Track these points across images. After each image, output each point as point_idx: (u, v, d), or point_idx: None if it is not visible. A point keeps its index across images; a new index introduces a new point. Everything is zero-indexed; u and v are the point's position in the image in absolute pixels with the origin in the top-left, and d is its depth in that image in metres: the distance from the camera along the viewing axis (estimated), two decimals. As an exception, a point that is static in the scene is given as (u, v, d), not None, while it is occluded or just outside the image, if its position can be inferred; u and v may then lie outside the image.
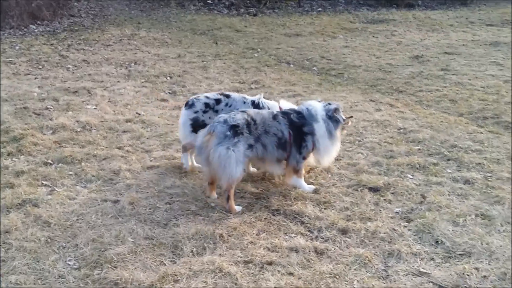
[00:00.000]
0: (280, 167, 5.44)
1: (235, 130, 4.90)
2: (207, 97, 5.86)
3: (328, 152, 5.41)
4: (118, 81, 9.98)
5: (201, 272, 4.02)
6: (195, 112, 5.72)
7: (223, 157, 4.82)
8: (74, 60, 11.85)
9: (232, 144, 4.86)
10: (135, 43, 14.20)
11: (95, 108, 8.07)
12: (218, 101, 5.81)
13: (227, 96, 5.90)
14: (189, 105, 5.79)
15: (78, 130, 7.07)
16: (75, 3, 20.18)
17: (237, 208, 5.00)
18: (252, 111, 5.23)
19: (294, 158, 5.31)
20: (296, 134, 5.22)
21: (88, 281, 3.88)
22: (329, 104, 5.49)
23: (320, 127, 5.28)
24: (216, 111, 5.72)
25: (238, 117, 4.98)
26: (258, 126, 5.07)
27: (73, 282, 3.87)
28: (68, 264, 4.10)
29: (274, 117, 5.24)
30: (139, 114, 7.85)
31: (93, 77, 10.28)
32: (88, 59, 12.03)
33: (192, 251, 4.31)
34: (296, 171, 5.39)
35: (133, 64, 11.67)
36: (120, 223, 4.72)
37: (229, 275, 3.99)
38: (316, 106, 5.41)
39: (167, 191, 5.39)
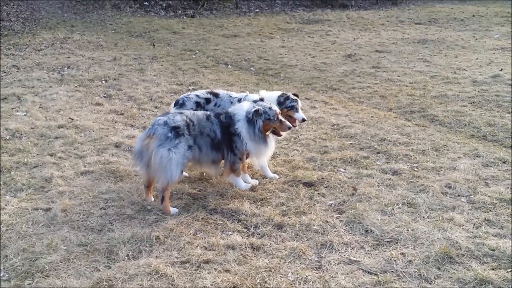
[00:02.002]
0: (216, 168, 5.45)
1: (176, 131, 4.90)
2: (197, 96, 5.82)
3: (257, 152, 5.42)
4: (50, 86, 9.70)
5: (137, 275, 3.99)
6: None
7: (165, 158, 4.80)
8: (3, 65, 11.42)
9: (174, 146, 4.85)
10: (68, 47, 13.85)
11: (25, 115, 7.82)
12: (208, 101, 5.81)
13: (216, 95, 5.88)
14: (180, 104, 5.73)
15: (7, 138, 6.83)
16: (4, 7, 19.45)
17: (173, 210, 4.99)
18: (188, 112, 5.21)
19: (229, 159, 5.34)
20: (226, 134, 5.24)
21: (19, 292, 3.77)
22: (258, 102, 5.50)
23: (242, 128, 5.24)
24: (206, 110, 5.64)
25: (178, 119, 4.98)
26: (195, 127, 5.07)
27: (1, 293, 3.75)
28: (-3, 276, 3.97)
29: (208, 117, 5.24)
30: (72, 120, 7.67)
31: (23, 82, 9.94)
32: (18, 64, 11.62)
33: (127, 255, 4.27)
34: (233, 170, 5.44)
35: (66, 68, 11.38)
36: (52, 231, 4.61)
37: (166, 277, 3.98)
38: (240, 107, 5.37)
39: (102, 196, 5.30)
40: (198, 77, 10.81)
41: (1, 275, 3.97)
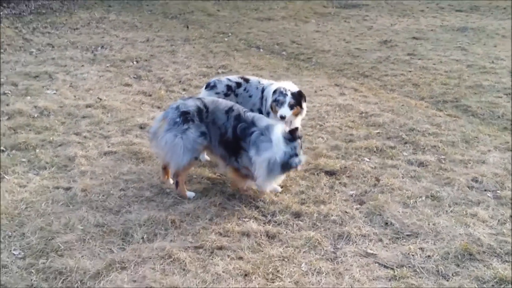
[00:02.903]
0: (222, 165, 5.13)
1: (185, 117, 4.80)
2: (229, 80, 5.76)
3: (265, 185, 4.95)
4: (82, 66, 9.80)
5: (150, 258, 4.00)
6: (217, 94, 5.61)
7: (170, 144, 4.75)
8: (38, 43, 11.59)
9: (181, 131, 4.75)
10: (104, 27, 13.94)
11: (55, 93, 7.92)
12: (238, 85, 5.71)
13: (247, 81, 5.78)
14: (211, 87, 5.67)
15: (36, 115, 6.94)
16: (43, -14, 19.70)
17: (190, 194, 4.96)
18: (208, 99, 5.12)
19: (230, 161, 5.00)
20: (235, 141, 4.84)
21: (32, 270, 3.82)
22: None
23: (257, 161, 4.75)
24: (237, 95, 5.64)
25: (190, 104, 4.90)
26: (208, 115, 4.88)
27: (16, 272, 3.81)
28: (13, 253, 4.03)
29: (228, 111, 4.90)
30: (101, 99, 7.73)
31: (56, 61, 10.07)
32: (53, 42, 11.77)
33: (142, 238, 4.28)
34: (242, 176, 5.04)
35: (99, 48, 11.46)
36: (71, 210, 4.66)
37: (178, 261, 3.97)
38: (265, 127, 4.80)
39: (123, 177, 5.33)
40: (229, 60, 10.73)
41: (17, 253, 4.02)
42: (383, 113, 7.48)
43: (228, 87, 5.68)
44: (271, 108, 5.34)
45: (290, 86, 5.44)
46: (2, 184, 5.03)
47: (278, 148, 4.63)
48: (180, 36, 13.04)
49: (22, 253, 4.04)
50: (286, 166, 4.73)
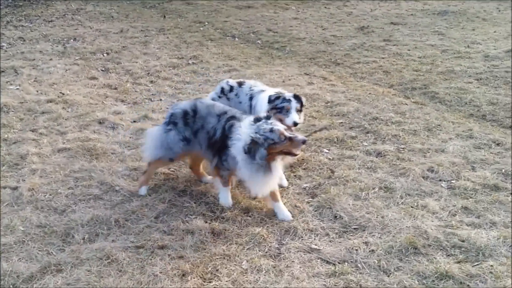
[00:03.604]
0: (210, 168, 4.88)
1: (170, 118, 4.79)
2: (227, 82, 5.67)
3: (255, 182, 4.44)
4: (51, 59, 9.66)
5: (88, 260, 3.92)
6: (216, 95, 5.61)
7: (149, 135, 4.98)
8: (9, 37, 11.43)
9: (164, 130, 4.78)
10: (79, 18, 13.78)
11: (17, 89, 7.80)
12: (231, 88, 5.57)
13: (240, 85, 5.59)
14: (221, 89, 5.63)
15: (-6, 113, 6.82)
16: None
17: (141, 190, 4.88)
18: (206, 102, 4.87)
19: (214, 162, 4.71)
20: (223, 139, 4.57)
21: (-34, 274, 3.74)
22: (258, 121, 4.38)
23: (238, 156, 4.39)
24: (228, 99, 5.53)
25: (180, 106, 4.84)
26: (196, 120, 4.70)
27: (-48, 276, 3.73)
28: (-50, 256, 3.95)
29: (221, 114, 4.65)
30: (63, 94, 7.61)
31: (25, 55, 9.93)
32: (25, 36, 11.61)
33: (83, 238, 4.20)
34: (219, 175, 4.75)
35: (71, 40, 11.32)
36: (15, 211, 4.57)
37: (116, 262, 3.90)
38: (243, 126, 4.41)
39: (73, 175, 5.24)
40: (202, 50, 10.61)
41: (-47, 256, 3.94)
42: (349, 102, 7.40)
43: (222, 90, 5.59)
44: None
45: (283, 92, 5.30)
46: None
47: (244, 134, 4.31)
48: (155, 26, 12.89)
49: (-41, 257, 3.95)
50: (252, 148, 4.21)
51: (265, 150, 4.21)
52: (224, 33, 12.43)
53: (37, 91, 7.72)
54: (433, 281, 3.70)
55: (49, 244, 4.11)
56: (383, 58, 9.86)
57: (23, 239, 4.15)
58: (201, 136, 4.69)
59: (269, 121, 4.33)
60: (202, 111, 4.73)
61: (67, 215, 4.53)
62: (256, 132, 4.22)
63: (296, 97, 5.16)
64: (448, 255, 3.98)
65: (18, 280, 3.68)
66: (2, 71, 8.73)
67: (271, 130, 4.21)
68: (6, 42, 11.02)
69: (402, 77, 8.58)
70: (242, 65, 9.39)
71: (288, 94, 5.21)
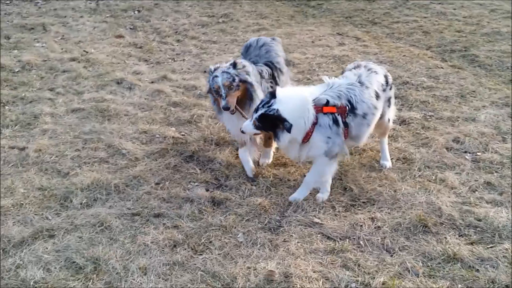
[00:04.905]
0: None
1: None
2: None
3: None
4: (81, 16, 9.57)
5: (82, 226, 3.84)
6: None
7: None
8: (44, -6, 11.39)
9: None
10: (117, -26, 13.56)
11: (43, 46, 7.76)
12: None
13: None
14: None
15: (17, 70, 6.82)
16: None
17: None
18: None
19: None
20: None
21: (-40, 236, 3.74)
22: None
23: None
24: None
25: None
26: None
27: None
28: None
29: None
30: (87, 52, 7.53)
31: (57, 12, 9.88)
32: (59, -8, 11.54)
33: (81, 203, 4.12)
34: None
35: (105, -4, 11.16)
36: (19, 172, 4.53)
37: (109, 229, 3.80)
38: None
39: (83, 136, 5.16)
40: (234, 8, 10.24)
41: (-48, 217, 3.95)
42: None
43: None
44: None
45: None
46: (-43, 145, 4.94)
47: None
48: (191, -19, 12.52)
49: (-43, 218, 3.95)
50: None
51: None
52: (260, -11, 11.95)
53: (62, 49, 7.66)
54: (439, 263, 3.41)
55: (46, 208, 4.06)
56: (425, 17, 9.21)
57: (22, 202, 4.11)
58: None
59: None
60: None
61: (69, 178, 4.46)
62: None
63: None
64: (461, 235, 3.66)
65: (9, 244, 3.64)
66: (32, 28, 8.71)
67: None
68: (42, -1, 10.99)
69: (442, 38, 7.99)
70: (272, 24, 9.01)
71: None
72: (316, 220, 3.90)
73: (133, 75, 6.71)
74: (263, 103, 3.83)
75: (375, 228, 3.77)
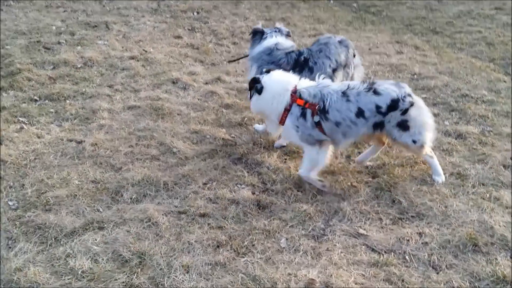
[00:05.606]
0: None
1: None
2: None
3: None
4: (143, 16, 9.82)
5: (131, 220, 3.95)
6: None
7: None
8: (110, -7, 11.78)
9: None
10: (180, -25, 13.86)
11: (105, 44, 8.02)
12: None
13: None
14: None
15: (79, 66, 7.07)
16: None
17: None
18: None
19: None
20: None
21: (17, 223, 3.91)
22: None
23: None
24: None
25: None
26: None
27: (3, 223, 3.92)
28: (8, 204, 4.15)
29: None
30: (146, 51, 7.72)
31: (121, 11, 10.18)
32: (124, -9, 11.91)
33: (131, 198, 4.24)
34: None
35: (168, -3, 11.43)
36: (75, 164, 4.71)
37: (156, 225, 3.89)
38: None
39: (137, 133, 5.30)
40: (292, 12, 10.26)
41: (11, 203, 4.15)
42: (438, 75, 6.79)
43: None
44: None
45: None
46: (20, 134, 5.18)
47: None
48: (251, -15, 12.64)
49: (16, 204, 4.15)
50: None
51: None
52: (320, -6, 11.92)
53: (122, 47, 7.89)
54: (487, 284, 3.30)
55: (98, 201, 4.20)
56: (489, 28, 8.93)
57: (76, 193, 4.26)
58: None
59: None
60: None
61: (122, 173, 4.59)
62: None
63: None
64: (512, 258, 3.52)
65: (61, 233, 3.78)
66: (95, 26, 9.02)
67: None
68: (105, -3, 11.36)
69: (507, 50, 7.71)
70: (329, 29, 8.95)
71: None
72: (362, 231, 3.85)
73: (188, 75, 6.83)
74: (261, 74, 4.53)
75: (422, 243, 3.69)
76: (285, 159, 4.81)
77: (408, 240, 3.72)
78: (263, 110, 4.51)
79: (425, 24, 9.37)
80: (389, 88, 4.17)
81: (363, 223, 3.95)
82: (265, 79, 4.39)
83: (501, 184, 4.35)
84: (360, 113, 4.14)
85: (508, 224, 3.83)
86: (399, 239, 3.75)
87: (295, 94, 4.29)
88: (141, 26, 9.11)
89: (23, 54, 7.32)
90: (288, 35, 5.44)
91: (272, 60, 5.09)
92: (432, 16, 9.91)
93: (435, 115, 5.60)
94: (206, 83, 6.60)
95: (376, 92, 4.15)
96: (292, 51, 5.15)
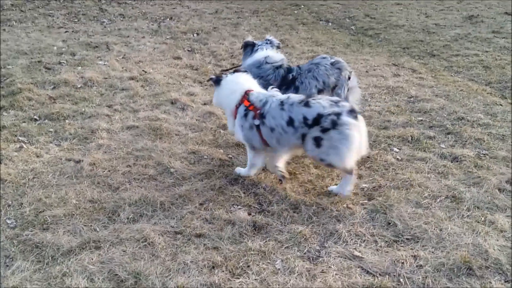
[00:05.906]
0: None
1: None
2: None
3: None
4: (143, 37, 9.98)
5: (127, 240, 3.96)
6: None
7: None
8: (111, 14, 11.99)
9: None
10: (180, -3, 14.10)
11: (105, 64, 8.12)
12: None
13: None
14: None
15: (79, 86, 7.16)
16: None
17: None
18: None
19: None
20: None
21: (15, 241, 3.93)
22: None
23: None
24: None
25: None
26: None
27: (1, 241, 3.94)
28: (7, 222, 4.18)
29: None
30: (146, 72, 7.81)
31: (121, 32, 10.35)
32: (125, 13, 12.12)
33: (128, 218, 4.26)
34: None
35: (167, 19, 11.63)
36: (73, 184, 4.74)
37: (152, 246, 3.91)
38: None
39: (135, 153, 5.34)
40: (290, 34, 10.41)
41: (10, 222, 4.17)
42: (435, 98, 6.86)
43: None
44: None
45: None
46: (19, 153, 5.23)
47: None
48: (250, 7, 12.88)
49: (14, 223, 4.18)
50: None
51: None
52: (318, 17, 12.12)
53: (122, 68, 7.99)
54: (481, 310, 3.30)
55: (95, 220, 4.22)
56: (486, 51, 9.05)
57: (73, 212, 4.29)
58: None
59: None
60: None
61: (119, 193, 4.62)
62: None
63: None
64: (507, 281, 3.53)
65: (58, 252, 3.80)
66: (96, 47, 9.14)
67: None
68: (108, 18, 11.56)
69: (504, 74, 7.81)
70: (327, 51, 9.07)
71: None
72: (357, 253, 3.87)
73: (187, 96, 6.90)
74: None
75: (417, 266, 3.70)
76: (280, 180, 4.83)
77: (403, 262, 3.73)
78: (220, 103, 4.96)
79: (422, 47, 9.49)
80: (321, 103, 4.30)
81: (358, 245, 3.96)
82: (228, 77, 4.86)
83: (496, 208, 4.37)
84: (290, 122, 4.36)
85: (502, 248, 3.84)
86: (394, 261, 3.76)
87: (246, 96, 4.65)
88: (141, 47, 9.24)
89: (24, 74, 7.41)
90: (278, 47, 5.58)
91: (261, 74, 5.23)
92: (429, 39, 10.05)
93: (430, 138, 5.68)
94: (204, 104, 6.66)
95: (307, 105, 4.32)
96: (281, 66, 5.27)
